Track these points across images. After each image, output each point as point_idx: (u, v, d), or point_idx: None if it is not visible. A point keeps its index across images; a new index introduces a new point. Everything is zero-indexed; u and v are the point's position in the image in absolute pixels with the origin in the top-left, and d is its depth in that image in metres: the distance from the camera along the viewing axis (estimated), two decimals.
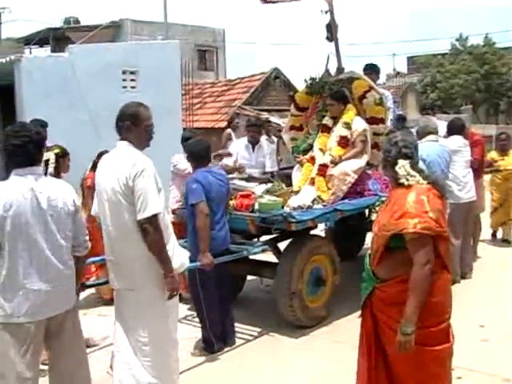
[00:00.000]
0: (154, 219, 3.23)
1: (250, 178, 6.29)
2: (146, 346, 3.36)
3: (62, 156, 5.18)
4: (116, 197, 3.30)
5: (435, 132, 6.21)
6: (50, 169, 5.00)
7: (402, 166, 2.99)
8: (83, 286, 3.62)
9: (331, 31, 6.93)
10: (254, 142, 6.74)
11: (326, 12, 6.70)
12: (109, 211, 3.36)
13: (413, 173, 2.98)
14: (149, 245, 3.25)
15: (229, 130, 10.96)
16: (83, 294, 5.00)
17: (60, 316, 3.08)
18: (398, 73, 36.18)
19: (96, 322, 5.45)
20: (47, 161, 5.06)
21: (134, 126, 3.47)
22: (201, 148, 4.76)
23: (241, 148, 6.66)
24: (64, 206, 3.08)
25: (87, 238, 3.27)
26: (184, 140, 6.49)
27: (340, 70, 6.83)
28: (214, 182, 4.64)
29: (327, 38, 7.03)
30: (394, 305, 2.93)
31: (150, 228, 3.22)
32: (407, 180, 2.96)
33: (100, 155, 5.38)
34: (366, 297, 3.10)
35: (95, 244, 3.72)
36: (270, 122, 12.99)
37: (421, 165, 3.22)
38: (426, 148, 5.68)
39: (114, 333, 3.51)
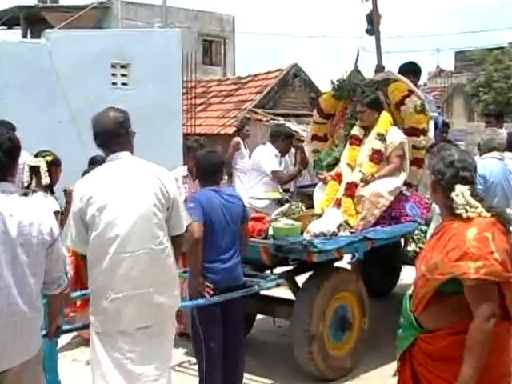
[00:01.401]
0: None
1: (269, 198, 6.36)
2: None
3: (55, 165, 5.26)
4: (152, 213, 3.52)
5: (501, 148, 5.88)
6: (45, 179, 5.06)
7: (461, 194, 2.89)
8: (58, 331, 3.59)
9: (372, 22, 7.02)
10: (284, 155, 6.89)
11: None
12: (138, 233, 3.48)
13: (473, 202, 2.88)
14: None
15: (237, 139, 11.02)
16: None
17: (16, 368, 2.97)
18: (442, 71, 35.98)
19: (70, 369, 5.45)
20: (34, 168, 5.13)
21: (129, 134, 3.70)
22: (210, 162, 4.80)
23: (271, 155, 6.70)
24: (39, 234, 3.02)
25: (63, 273, 3.28)
26: (189, 149, 6.55)
27: (380, 68, 6.90)
28: (220, 205, 4.67)
29: (367, 31, 7.13)
30: (443, 361, 2.87)
31: (182, 240, 3.72)
32: (466, 211, 2.87)
33: (94, 162, 5.47)
34: (405, 348, 3.07)
35: (82, 276, 3.79)
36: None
37: (479, 185, 3.13)
38: (490, 165, 5.51)
39: None
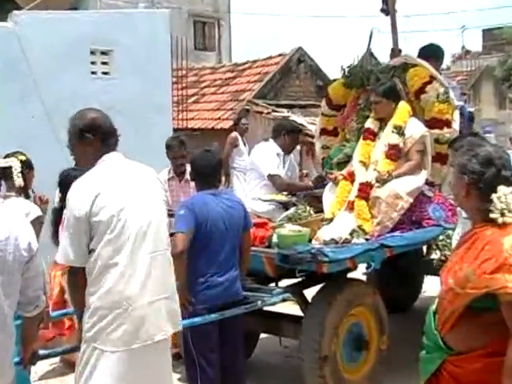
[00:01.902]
0: None
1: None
2: None
3: (28, 167, 5.33)
4: (163, 214, 3.81)
5: None
6: (18, 179, 5.10)
7: (504, 196, 2.87)
8: (34, 357, 3.60)
9: (387, 0, 7.06)
10: (288, 153, 6.83)
11: None
12: (154, 234, 3.67)
13: None
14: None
15: (235, 134, 11.06)
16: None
17: None
18: (468, 52, 35.86)
19: None
20: (5, 170, 5.17)
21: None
22: (207, 163, 4.85)
23: (272, 155, 6.69)
24: (15, 250, 3.03)
25: (41, 292, 3.31)
26: (167, 148, 6.60)
27: (396, 52, 6.93)
28: (218, 211, 4.71)
29: (382, 11, 7.15)
30: None
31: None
32: (503, 215, 2.86)
33: (69, 177, 5.54)
34: (430, 373, 3.05)
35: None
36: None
37: None
38: None
39: None
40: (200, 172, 4.88)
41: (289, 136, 6.73)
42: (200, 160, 4.91)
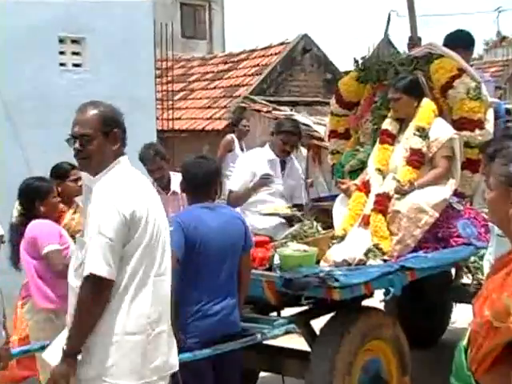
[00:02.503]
0: None
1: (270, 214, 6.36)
2: None
3: None
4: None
5: None
6: None
7: None
8: None
9: None
10: (283, 158, 6.75)
11: None
12: (168, 251, 3.86)
13: None
14: None
15: (230, 137, 11.07)
16: None
17: None
18: (504, 38, 35.88)
19: None
20: None
21: None
22: (202, 172, 4.85)
23: (262, 164, 6.65)
24: None
25: (0, 325, 3.31)
26: (140, 160, 6.57)
27: (414, 41, 6.94)
28: (212, 227, 4.71)
29: None
30: None
31: None
32: None
33: (32, 188, 5.57)
34: None
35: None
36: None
37: None
38: None
39: None
40: (193, 182, 4.88)
41: (277, 136, 6.64)
42: (193, 168, 4.91)
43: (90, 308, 3.49)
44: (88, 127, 3.67)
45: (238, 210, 6.03)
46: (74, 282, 3.64)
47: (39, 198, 5.49)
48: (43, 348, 4.58)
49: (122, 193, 3.58)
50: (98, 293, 3.48)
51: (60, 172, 6.10)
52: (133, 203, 3.56)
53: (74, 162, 5.96)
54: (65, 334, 3.70)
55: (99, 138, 3.67)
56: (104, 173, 3.67)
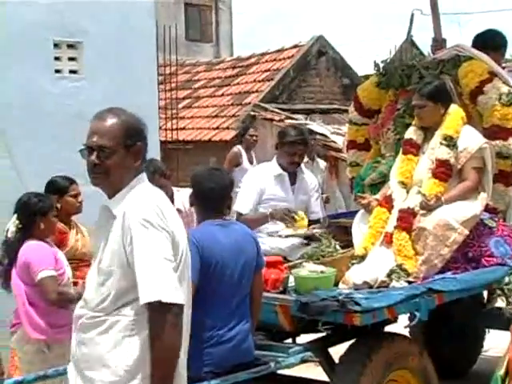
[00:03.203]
0: None
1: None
2: None
3: None
4: None
5: None
6: None
7: None
8: None
9: None
10: (292, 171, 6.72)
11: None
12: None
13: None
14: None
15: (237, 149, 11.03)
16: None
17: None
18: None
19: None
20: None
21: None
22: (214, 185, 4.84)
23: (268, 181, 6.64)
24: None
25: None
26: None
27: (439, 43, 6.94)
28: (227, 245, 4.70)
29: None
30: None
31: None
32: None
33: (31, 203, 5.60)
34: None
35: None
36: (310, 131, 13.13)
37: None
38: None
39: None
40: (205, 196, 4.85)
41: (282, 149, 6.57)
42: (205, 180, 4.88)
43: (169, 342, 3.37)
44: (108, 138, 3.52)
45: None
46: (91, 313, 3.54)
47: (40, 214, 5.51)
48: (36, 379, 4.58)
49: (160, 213, 3.46)
50: (176, 322, 3.37)
51: (59, 187, 6.08)
52: (170, 224, 3.49)
53: (67, 174, 6.04)
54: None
55: (120, 152, 3.54)
56: (126, 191, 3.55)
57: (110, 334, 3.45)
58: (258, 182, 6.54)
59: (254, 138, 11.20)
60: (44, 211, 5.54)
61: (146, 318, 3.40)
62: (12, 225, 5.60)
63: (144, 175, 3.67)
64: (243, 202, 6.50)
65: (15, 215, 5.60)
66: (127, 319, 3.44)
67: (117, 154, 3.52)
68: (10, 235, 5.58)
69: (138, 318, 3.42)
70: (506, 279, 5.75)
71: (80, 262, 5.92)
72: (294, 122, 15.05)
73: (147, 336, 3.40)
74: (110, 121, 3.57)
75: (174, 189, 6.74)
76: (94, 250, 3.81)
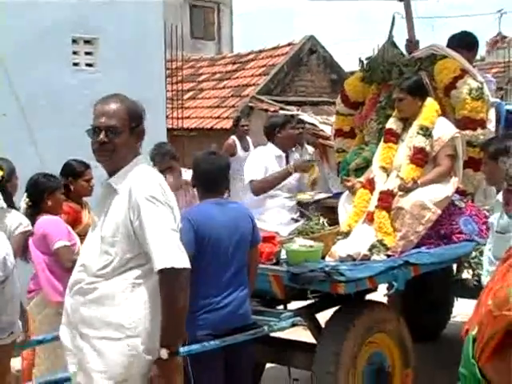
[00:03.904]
0: None
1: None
2: None
3: (8, 180, 5.43)
4: None
5: None
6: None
7: None
8: None
9: None
10: (289, 151, 6.76)
11: None
12: None
13: None
14: None
15: (231, 140, 10.92)
16: None
17: None
18: (505, 38, 35.60)
19: None
20: None
21: None
22: (213, 167, 4.85)
23: (270, 160, 6.61)
24: None
25: (17, 317, 3.36)
26: (151, 160, 6.58)
27: (412, 43, 6.95)
28: (222, 222, 4.71)
29: None
30: None
31: None
32: None
33: (39, 183, 5.61)
34: None
35: None
36: (301, 121, 13.10)
37: None
38: None
39: None
40: (204, 177, 4.86)
41: (284, 130, 6.59)
42: (204, 163, 4.89)
43: (181, 301, 3.42)
44: (116, 119, 3.54)
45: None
46: (90, 278, 3.53)
47: (49, 191, 5.52)
48: (54, 339, 4.58)
49: (162, 191, 3.49)
50: (186, 284, 3.43)
51: (75, 171, 6.09)
52: (170, 198, 3.52)
53: (84, 158, 6.03)
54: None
55: (126, 133, 3.54)
56: (127, 170, 3.55)
57: (110, 296, 3.47)
58: (262, 160, 6.53)
59: (246, 127, 11.08)
60: (51, 190, 5.56)
61: (145, 281, 3.46)
62: (23, 202, 5.63)
63: (142, 156, 3.68)
64: (252, 171, 6.47)
65: (25, 193, 5.63)
66: (127, 282, 3.47)
67: (123, 134, 3.54)
68: (21, 212, 5.60)
69: (138, 281, 3.46)
70: (473, 254, 5.78)
71: None
72: (287, 112, 15.03)
73: (148, 297, 3.45)
74: (116, 105, 3.59)
75: (182, 169, 6.72)
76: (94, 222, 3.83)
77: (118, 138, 3.52)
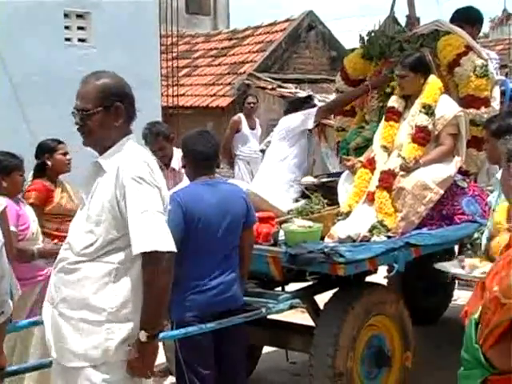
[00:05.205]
0: None
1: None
2: None
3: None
4: None
5: None
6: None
7: None
8: (1, 373, 3.62)
9: None
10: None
11: None
12: None
13: None
14: None
15: (237, 117, 10.95)
16: None
17: None
18: (510, 15, 35.46)
19: None
20: None
21: None
22: (202, 147, 4.84)
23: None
24: None
25: (8, 296, 3.34)
26: (143, 139, 6.57)
27: (412, 19, 6.94)
28: (212, 203, 4.71)
29: None
30: None
31: None
32: None
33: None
34: None
35: None
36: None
37: None
38: None
39: None
40: (193, 158, 4.86)
41: (305, 108, 6.79)
42: (193, 144, 4.89)
43: (163, 284, 3.42)
44: (86, 101, 3.52)
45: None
46: (74, 257, 3.53)
47: (4, 172, 5.35)
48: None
49: (150, 171, 3.48)
50: (169, 267, 3.40)
51: (48, 147, 6.04)
52: (158, 179, 3.51)
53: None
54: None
55: (100, 113, 3.52)
56: (116, 150, 3.55)
57: (93, 278, 3.47)
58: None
59: (252, 105, 11.10)
60: (8, 170, 5.38)
61: (129, 266, 3.45)
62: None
63: (133, 135, 3.66)
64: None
65: None
66: (111, 266, 3.46)
67: (96, 115, 3.52)
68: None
69: (122, 265, 3.46)
70: (476, 235, 5.79)
71: (65, 216, 5.83)
72: (285, 90, 15.01)
73: (132, 282, 3.45)
74: (90, 84, 3.57)
75: (174, 149, 6.71)
76: (81, 201, 3.80)
77: (89, 119, 3.53)
